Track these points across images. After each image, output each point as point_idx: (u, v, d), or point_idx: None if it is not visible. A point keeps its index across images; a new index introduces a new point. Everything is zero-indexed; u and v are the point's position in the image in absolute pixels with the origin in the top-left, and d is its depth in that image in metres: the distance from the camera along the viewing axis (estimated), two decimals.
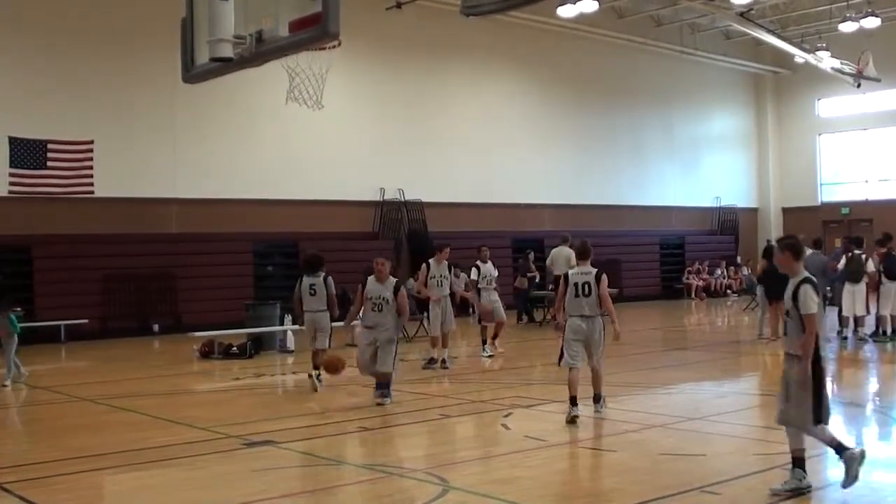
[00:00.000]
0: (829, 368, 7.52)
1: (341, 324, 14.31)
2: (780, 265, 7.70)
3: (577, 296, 10.52)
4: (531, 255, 26.53)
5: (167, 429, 10.96)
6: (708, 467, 8.30)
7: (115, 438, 10.36)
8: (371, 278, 12.22)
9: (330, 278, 13.72)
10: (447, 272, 16.47)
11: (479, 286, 17.56)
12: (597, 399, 10.78)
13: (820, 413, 7.27)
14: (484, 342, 17.67)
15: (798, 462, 7.30)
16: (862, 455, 7.28)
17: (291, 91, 13.71)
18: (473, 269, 17.75)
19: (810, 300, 7.18)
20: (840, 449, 7.31)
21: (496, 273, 18.06)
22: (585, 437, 9.73)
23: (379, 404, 11.85)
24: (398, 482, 7.88)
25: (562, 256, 22.06)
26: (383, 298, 12.07)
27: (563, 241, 22.37)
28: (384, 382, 12.07)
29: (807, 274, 7.39)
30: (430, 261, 16.35)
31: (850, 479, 7.20)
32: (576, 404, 10.37)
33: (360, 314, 12.70)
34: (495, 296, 17.71)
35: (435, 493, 7.47)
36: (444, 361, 15.78)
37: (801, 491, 7.23)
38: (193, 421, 11.28)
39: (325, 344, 13.60)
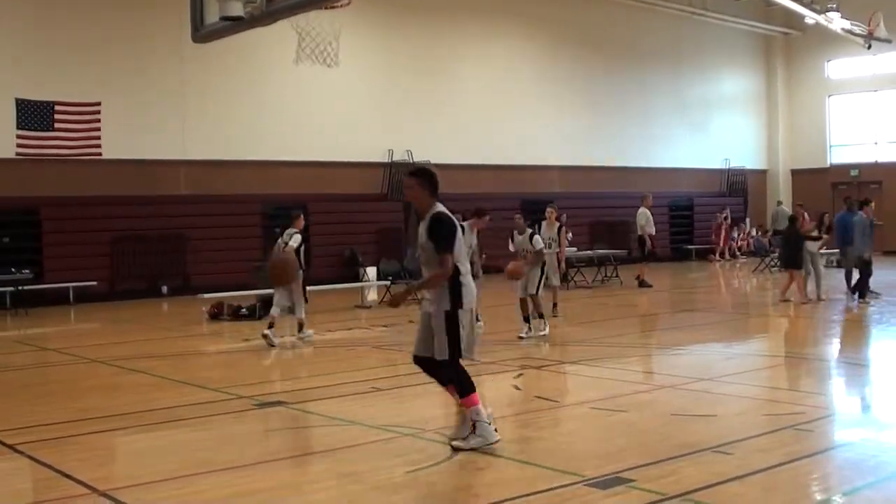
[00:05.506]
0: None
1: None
2: None
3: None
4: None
5: (178, 390, 11.01)
6: (719, 428, 8.31)
7: (126, 399, 10.40)
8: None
9: None
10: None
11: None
12: (540, 316, 14.50)
13: None
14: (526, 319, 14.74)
15: None
16: None
17: (302, 51, 13.60)
18: None
19: None
20: None
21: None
22: (596, 398, 9.73)
23: None
24: (411, 442, 7.90)
25: (644, 215, 24.34)
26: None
27: (643, 200, 24.43)
28: None
29: None
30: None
31: None
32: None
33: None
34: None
35: (447, 454, 7.49)
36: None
37: None
38: (204, 382, 11.32)
39: None
